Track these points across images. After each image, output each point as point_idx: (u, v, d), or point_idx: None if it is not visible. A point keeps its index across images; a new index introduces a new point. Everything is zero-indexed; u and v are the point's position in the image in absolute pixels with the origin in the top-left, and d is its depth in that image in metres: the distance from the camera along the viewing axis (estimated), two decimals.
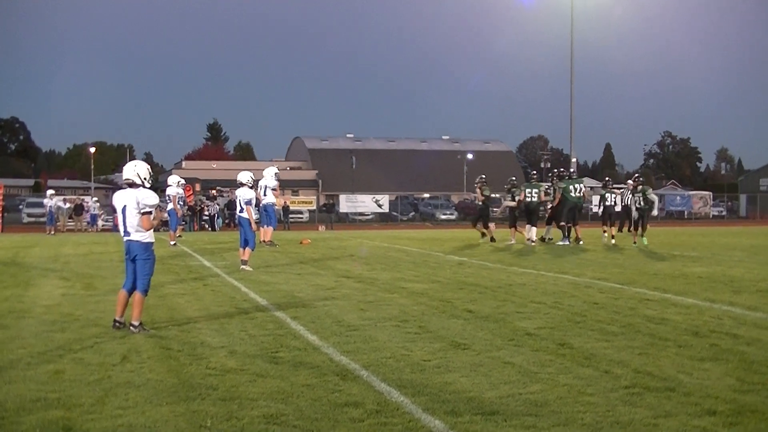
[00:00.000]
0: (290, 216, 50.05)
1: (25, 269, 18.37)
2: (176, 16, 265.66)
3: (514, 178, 28.78)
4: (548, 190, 27.62)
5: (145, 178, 9.82)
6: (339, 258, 21.12)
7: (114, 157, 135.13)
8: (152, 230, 9.87)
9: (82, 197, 53.99)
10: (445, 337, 9.31)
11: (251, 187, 18.04)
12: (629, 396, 6.57)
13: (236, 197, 18.48)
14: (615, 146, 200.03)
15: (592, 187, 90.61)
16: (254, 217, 18.01)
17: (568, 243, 25.56)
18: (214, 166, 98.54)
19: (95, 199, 51.13)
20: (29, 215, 54.57)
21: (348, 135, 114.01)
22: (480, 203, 28.55)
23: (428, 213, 66.17)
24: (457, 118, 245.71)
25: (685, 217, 65.28)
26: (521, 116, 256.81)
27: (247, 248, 17.39)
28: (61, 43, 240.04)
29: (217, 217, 46.18)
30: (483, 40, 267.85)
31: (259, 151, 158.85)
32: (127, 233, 9.74)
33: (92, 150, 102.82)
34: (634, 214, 32.28)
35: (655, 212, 25.25)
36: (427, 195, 79.45)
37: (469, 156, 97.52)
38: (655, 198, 25.60)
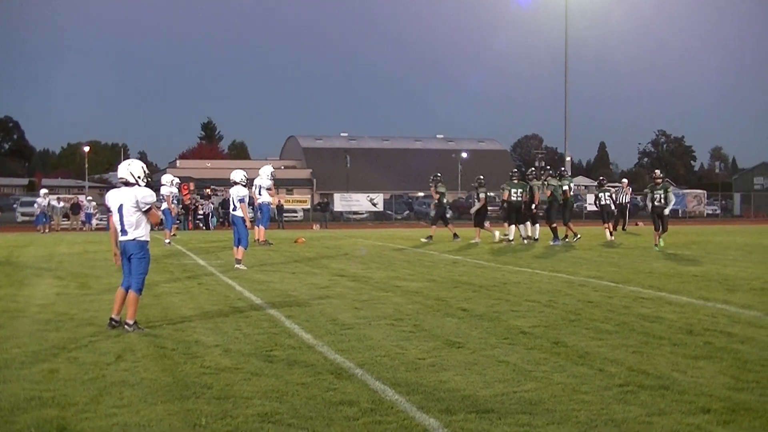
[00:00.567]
0: (284, 215, 50.04)
1: (19, 268, 18.34)
2: (171, 15, 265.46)
3: (481, 177, 28.68)
4: (546, 188, 27.50)
5: (139, 177, 9.83)
6: (333, 257, 21.11)
7: (108, 156, 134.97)
8: (149, 229, 9.88)
9: (78, 196, 54.01)
10: (440, 335, 9.32)
11: (245, 186, 18.06)
12: (623, 394, 6.58)
13: (230, 196, 18.50)
14: (609, 145, 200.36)
15: (586, 186, 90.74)
16: (249, 215, 18.03)
17: (559, 243, 25.45)
18: (209, 165, 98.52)
19: (90, 198, 51.06)
20: (23, 214, 54.48)
21: (342, 134, 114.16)
22: (435, 201, 28.64)
23: (423, 212, 66.13)
24: (452, 117, 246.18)
25: (680, 215, 65.24)
26: (516, 115, 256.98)
27: (240, 247, 17.40)
28: (56, 42, 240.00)
29: (212, 216, 46.10)
30: (478, 39, 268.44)
31: (253, 150, 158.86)
32: (124, 232, 9.73)
33: (86, 149, 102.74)
34: (625, 210, 32.29)
35: (666, 211, 23.16)
36: (421, 194, 79.31)
37: (464, 155, 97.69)
38: (674, 198, 24.14)
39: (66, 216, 46.07)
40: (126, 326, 9.66)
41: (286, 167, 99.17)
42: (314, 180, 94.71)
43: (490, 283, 14.46)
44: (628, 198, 35.58)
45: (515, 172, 27.54)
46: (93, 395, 6.68)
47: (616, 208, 32.20)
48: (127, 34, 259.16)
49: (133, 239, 9.72)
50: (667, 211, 23.23)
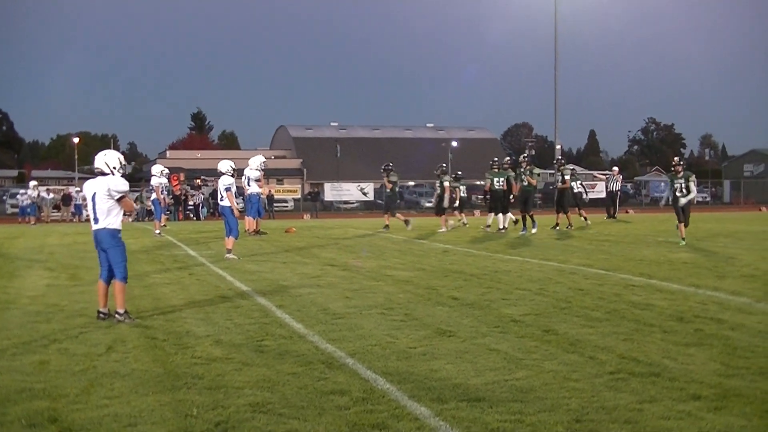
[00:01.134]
0: (275, 205, 50.00)
1: (9, 260, 18.29)
2: (159, 6, 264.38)
3: (443, 165, 28.66)
4: (537, 175, 27.37)
5: (114, 167, 9.83)
6: (324, 246, 21.10)
7: (98, 147, 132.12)
8: (121, 218, 9.86)
9: (68, 187, 53.88)
10: (431, 324, 9.33)
11: (231, 176, 18.03)
12: (614, 381, 6.60)
13: (218, 186, 18.48)
14: (599, 133, 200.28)
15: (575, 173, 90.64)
16: (237, 205, 18.01)
17: (525, 232, 24.93)
18: (199, 155, 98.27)
19: (79, 189, 50.92)
20: (13, 206, 54.31)
21: (332, 123, 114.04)
22: (387, 191, 28.72)
23: (413, 201, 66.03)
24: (442, 106, 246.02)
25: (670, 203, 65.39)
26: (506, 104, 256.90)
27: (230, 237, 17.37)
28: (44, 33, 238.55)
29: (202, 207, 46.05)
30: (469, 28, 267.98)
31: (243, 140, 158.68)
32: (96, 220, 9.78)
33: (76, 140, 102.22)
34: (616, 197, 32.30)
35: (683, 201, 20.57)
36: (412, 183, 79.23)
37: (454, 144, 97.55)
38: (695, 189, 21.11)
39: (56, 207, 45.96)
40: (117, 316, 9.66)
41: (276, 157, 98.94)
42: (304, 170, 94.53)
43: (480, 272, 14.47)
44: (618, 186, 35.67)
45: (496, 160, 27.43)
46: (84, 386, 6.67)
47: (607, 195, 32.23)
48: (117, 25, 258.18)
49: (104, 228, 9.74)
50: (683, 201, 20.68)
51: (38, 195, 41.49)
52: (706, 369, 6.97)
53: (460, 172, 32.11)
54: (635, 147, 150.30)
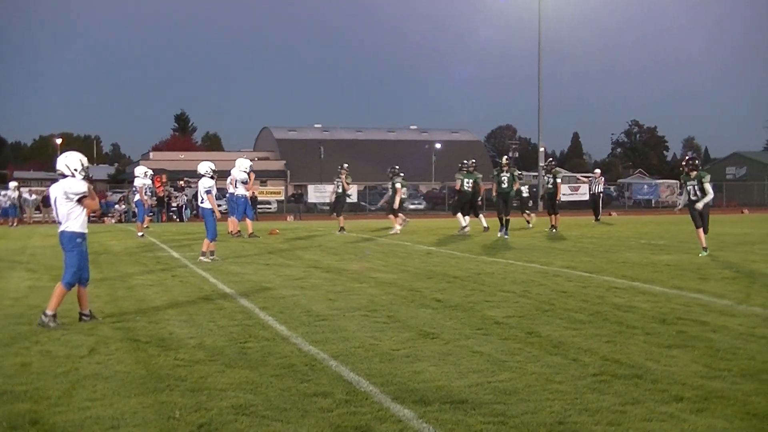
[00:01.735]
0: (258, 206, 49.89)
1: None
2: (143, 7, 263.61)
3: (396, 167, 28.76)
4: (519, 177, 27.45)
5: (75, 169, 9.72)
6: (308, 248, 21.08)
7: (81, 148, 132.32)
8: (82, 221, 9.76)
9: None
10: (414, 326, 9.32)
11: (211, 177, 17.94)
12: (597, 383, 6.61)
13: (198, 188, 18.41)
14: (583, 135, 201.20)
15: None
16: (217, 207, 17.93)
17: (506, 235, 24.79)
18: (182, 156, 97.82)
19: None
20: None
21: (316, 125, 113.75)
22: (339, 192, 29.42)
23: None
24: (426, 108, 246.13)
25: (653, 205, 65.58)
26: (490, 106, 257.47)
27: (206, 239, 17.27)
28: (27, 33, 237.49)
29: (185, 208, 45.93)
30: (453, 31, 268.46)
31: (227, 141, 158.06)
32: (59, 223, 9.75)
33: (58, 141, 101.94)
34: (598, 200, 32.35)
35: (699, 205, 18.05)
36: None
37: (438, 146, 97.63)
38: (711, 190, 18.22)
39: (38, 208, 45.78)
40: (42, 316, 9.53)
41: (259, 159, 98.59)
42: (288, 171, 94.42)
43: (464, 274, 14.49)
44: (601, 188, 35.76)
45: (465, 163, 27.61)
46: (66, 388, 6.64)
47: (590, 198, 32.34)
48: (101, 27, 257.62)
49: (64, 230, 9.68)
50: (700, 205, 18.11)
51: (19, 196, 41.27)
52: (689, 371, 6.99)
53: (520, 172, 32.47)
54: (618, 149, 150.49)
